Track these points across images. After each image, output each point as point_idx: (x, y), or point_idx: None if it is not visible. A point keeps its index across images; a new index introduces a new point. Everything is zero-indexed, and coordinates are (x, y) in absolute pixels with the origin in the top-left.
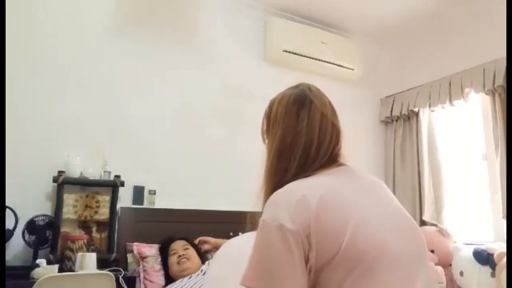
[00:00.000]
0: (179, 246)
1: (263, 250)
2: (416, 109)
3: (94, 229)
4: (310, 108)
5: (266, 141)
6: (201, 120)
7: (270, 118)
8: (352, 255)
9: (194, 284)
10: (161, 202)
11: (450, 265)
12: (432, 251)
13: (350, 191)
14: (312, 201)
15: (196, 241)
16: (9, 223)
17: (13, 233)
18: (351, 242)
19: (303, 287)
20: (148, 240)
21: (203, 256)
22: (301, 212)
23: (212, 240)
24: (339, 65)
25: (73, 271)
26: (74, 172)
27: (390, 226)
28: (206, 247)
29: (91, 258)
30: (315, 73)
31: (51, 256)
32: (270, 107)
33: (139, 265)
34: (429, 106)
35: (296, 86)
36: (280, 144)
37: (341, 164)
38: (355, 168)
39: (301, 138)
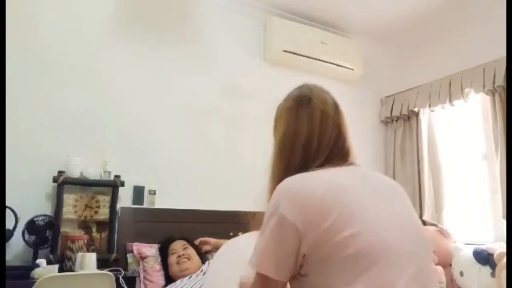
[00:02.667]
0: (178, 246)
1: (264, 235)
2: (416, 109)
3: (94, 229)
4: (309, 106)
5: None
6: (201, 120)
7: (275, 119)
8: (351, 253)
9: (194, 284)
10: (161, 202)
11: (450, 265)
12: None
13: (356, 189)
14: (315, 196)
15: (197, 242)
16: (9, 223)
17: (13, 233)
18: (352, 239)
19: (289, 273)
20: (148, 240)
21: (203, 256)
22: (303, 205)
23: (212, 240)
24: (339, 65)
25: (73, 271)
26: (74, 172)
27: (393, 226)
28: (206, 247)
29: (91, 258)
30: (315, 73)
31: (51, 256)
32: (277, 109)
33: (139, 265)
34: (429, 106)
35: (299, 86)
36: (281, 142)
37: (351, 164)
38: (366, 169)
39: (301, 135)
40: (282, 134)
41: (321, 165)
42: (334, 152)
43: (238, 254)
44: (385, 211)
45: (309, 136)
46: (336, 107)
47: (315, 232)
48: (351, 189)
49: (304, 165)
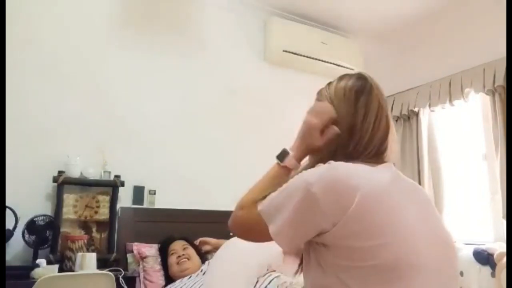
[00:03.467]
0: (178, 246)
1: (284, 195)
2: (416, 109)
3: (94, 229)
4: (370, 95)
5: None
6: (201, 120)
7: (328, 95)
8: (383, 261)
9: (194, 284)
10: (161, 202)
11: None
12: None
13: (395, 195)
14: (357, 196)
15: (197, 242)
16: (9, 223)
17: (13, 233)
18: (386, 247)
19: (295, 245)
20: (148, 240)
21: (203, 256)
22: (340, 199)
23: (213, 240)
24: (339, 65)
25: (73, 271)
26: (74, 172)
27: (424, 239)
28: (207, 247)
29: (91, 258)
30: (315, 73)
31: (51, 256)
32: (325, 89)
33: (139, 265)
34: (429, 106)
35: (352, 75)
36: (337, 124)
37: (387, 162)
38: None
39: (357, 123)
40: (337, 117)
41: (367, 160)
42: (380, 148)
43: (237, 254)
44: (419, 221)
45: (366, 125)
46: (387, 103)
47: (342, 228)
48: (391, 194)
49: (353, 155)
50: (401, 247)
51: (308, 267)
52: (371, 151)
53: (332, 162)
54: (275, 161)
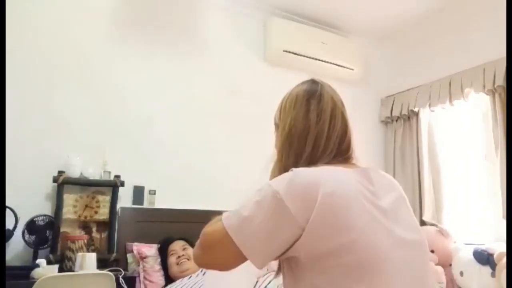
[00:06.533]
0: (178, 246)
1: (251, 204)
2: (416, 109)
3: (94, 229)
4: (321, 97)
5: (276, 132)
6: (201, 120)
7: (282, 106)
8: (355, 258)
9: (194, 284)
10: (161, 202)
11: (450, 265)
12: (432, 251)
13: (359, 194)
14: (320, 194)
15: None
16: (9, 223)
17: (13, 233)
18: (349, 246)
19: (267, 258)
20: (148, 240)
21: None
22: (305, 201)
23: None
24: (339, 65)
25: (73, 271)
26: (74, 172)
27: (391, 233)
28: None
29: (91, 258)
30: (315, 73)
31: (51, 256)
32: (282, 100)
33: (139, 265)
34: (429, 106)
35: (308, 80)
36: (290, 131)
37: (354, 164)
38: (369, 168)
39: (311, 126)
40: (291, 123)
41: (329, 162)
42: (342, 148)
43: None
44: (386, 218)
45: (320, 128)
46: (342, 102)
47: (311, 229)
48: (355, 193)
49: (313, 159)
50: (369, 244)
51: (283, 279)
52: (332, 152)
53: (294, 169)
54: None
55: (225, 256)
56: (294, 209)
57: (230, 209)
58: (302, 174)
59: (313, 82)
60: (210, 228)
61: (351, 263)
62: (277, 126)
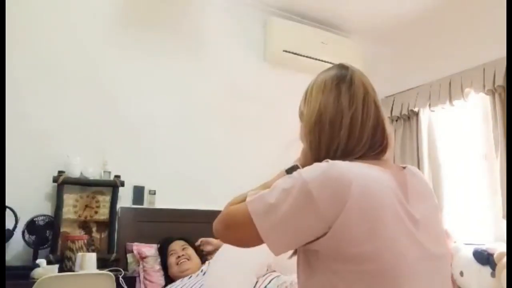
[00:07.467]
0: (178, 246)
1: (278, 191)
2: (416, 109)
3: (94, 229)
4: (351, 82)
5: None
6: (201, 120)
7: (306, 96)
8: (370, 268)
9: (194, 284)
10: (161, 202)
11: (450, 265)
12: None
13: (393, 200)
14: (351, 193)
15: (198, 242)
16: (9, 223)
17: (13, 233)
18: (373, 254)
19: (286, 248)
20: (148, 240)
21: (202, 256)
22: (335, 197)
23: (214, 241)
24: None
25: (73, 271)
26: (74, 172)
27: (419, 245)
28: (208, 248)
29: (91, 258)
30: (315, 73)
31: (51, 256)
32: (307, 88)
33: (139, 265)
34: (429, 106)
35: (331, 67)
36: (320, 118)
37: (388, 162)
38: (408, 172)
39: (344, 111)
40: (320, 107)
41: (363, 156)
42: (375, 139)
43: (238, 255)
44: (416, 228)
45: (353, 113)
46: (374, 89)
47: (338, 230)
48: (389, 199)
49: (348, 148)
50: (394, 255)
51: (298, 266)
52: (366, 142)
53: (329, 160)
54: (275, 160)
55: (245, 237)
56: (322, 204)
57: (255, 188)
58: (337, 167)
59: (342, 66)
60: (233, 208)
61: (372, 272)
62: (302, 114)
